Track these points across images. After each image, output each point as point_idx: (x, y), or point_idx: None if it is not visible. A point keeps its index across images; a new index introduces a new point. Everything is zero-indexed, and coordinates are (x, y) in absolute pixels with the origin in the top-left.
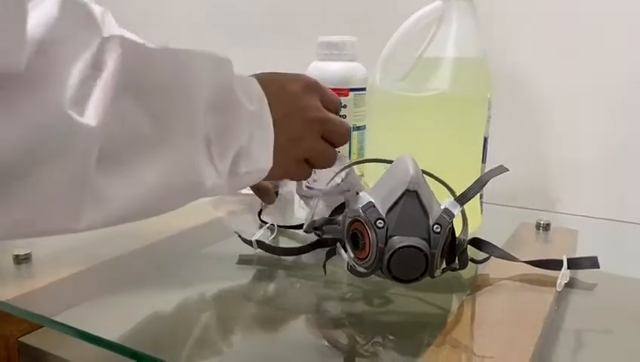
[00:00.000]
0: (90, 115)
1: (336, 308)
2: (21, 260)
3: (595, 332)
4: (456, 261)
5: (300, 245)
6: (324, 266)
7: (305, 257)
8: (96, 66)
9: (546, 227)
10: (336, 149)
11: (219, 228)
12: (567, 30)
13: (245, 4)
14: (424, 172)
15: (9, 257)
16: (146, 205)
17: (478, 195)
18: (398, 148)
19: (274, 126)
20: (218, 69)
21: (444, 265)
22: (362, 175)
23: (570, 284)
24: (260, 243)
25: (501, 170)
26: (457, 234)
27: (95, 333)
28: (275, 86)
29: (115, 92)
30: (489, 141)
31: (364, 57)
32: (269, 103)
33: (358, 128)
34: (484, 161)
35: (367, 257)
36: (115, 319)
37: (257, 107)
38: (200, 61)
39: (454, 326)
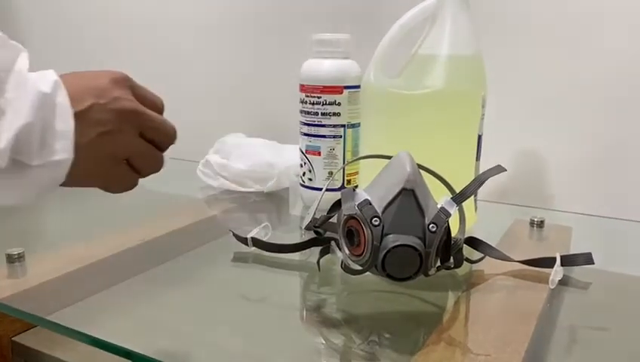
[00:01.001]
0: None
1: (332, 306)
2: (14, 259)
3: (589, 329)
4: (451, 260)
5: (296, 242)
6: (318, 263)
7: (301, 254)
8: None
9: (540, 224)
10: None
11: (213, 226)
12: (563, 27)
13: (240, 3)
14: (423, 168)
15: (2, 256)
16: None
17: None
18: (392, 145)
19: (76, 118)
20: (11, 50)
21: (438, 264)
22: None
23: (564, 282)
24: (255, 241)
25: (499, 169)
26: (454, 233)
27: (89, 333)
28: (76, 79)
29: None
30: (483, 138)
31: (359, 55)
32: (69, 95)
33: (353, 126)
34: (478, 158)
35: (361, 254)
36: (109, 318)
37: (52, 92)
38: None
39: (450, 323)
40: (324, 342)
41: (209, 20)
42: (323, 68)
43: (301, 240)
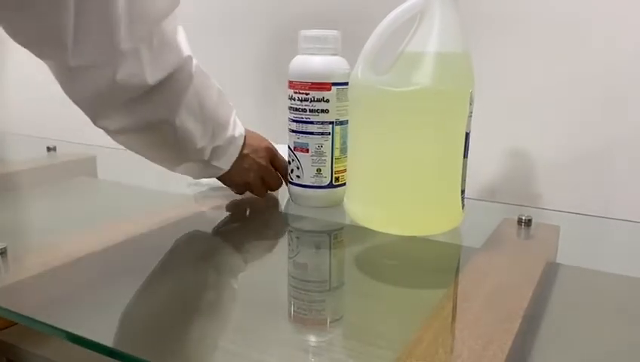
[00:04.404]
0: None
1: (314, 300)
2: None
3: (576, 327)
4: None
5: None
6: None
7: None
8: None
9: (528, 223)
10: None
11: (201, 222)
12: (551, 26)
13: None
14: None
15: None
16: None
17: (460, 190)
18: (380, 142)
19: (239, 155)
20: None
21: None
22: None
23: (550, 279)
24: None
25: None
26: None
27: (72, 331)
28: (251, 137)
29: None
30: (471, 136)
31: (347, 51)
32: (244, 143)
33: (341, 123)
34: (466, 156)
35: None
36: (93, 316)
37: (238, 137)
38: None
39: (433, 321)
40: (305, 339)
41: (198, 19)
42: (311, 64)
43: None
